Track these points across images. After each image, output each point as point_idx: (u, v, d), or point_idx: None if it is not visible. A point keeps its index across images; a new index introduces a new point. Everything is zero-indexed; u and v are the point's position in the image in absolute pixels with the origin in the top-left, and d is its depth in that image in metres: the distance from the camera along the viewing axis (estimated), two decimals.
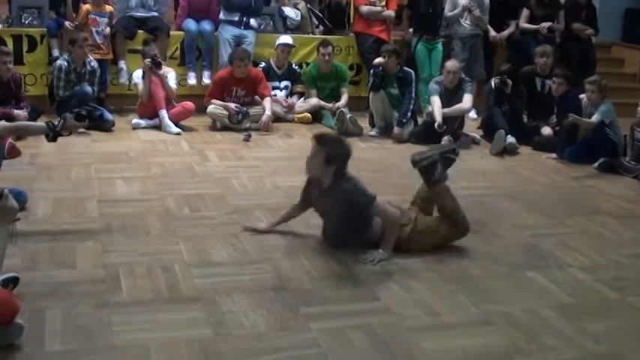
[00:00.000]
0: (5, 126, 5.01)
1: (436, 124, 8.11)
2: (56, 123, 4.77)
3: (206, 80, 9.33)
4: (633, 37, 11.90)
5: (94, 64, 8.40)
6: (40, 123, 4.87)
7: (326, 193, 4.94)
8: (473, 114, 9.39)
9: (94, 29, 8.84)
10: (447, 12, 10.00)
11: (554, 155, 7.94)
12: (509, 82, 8.55)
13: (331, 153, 4.89)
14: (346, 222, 4.87)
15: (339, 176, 4.90)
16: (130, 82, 8.91)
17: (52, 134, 4.77)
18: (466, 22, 10.03)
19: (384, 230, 4.92)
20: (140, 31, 9.25)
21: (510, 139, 8.05)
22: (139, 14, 9.23)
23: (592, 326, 4.07)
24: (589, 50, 10.56)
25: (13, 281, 3.99)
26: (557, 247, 5.27)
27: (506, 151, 8.04)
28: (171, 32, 9.46)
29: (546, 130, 8.40)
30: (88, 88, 8.20)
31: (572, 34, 10.39)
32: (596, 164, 7.60)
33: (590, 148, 7.78)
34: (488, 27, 10.22)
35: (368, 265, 4.76)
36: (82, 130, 7.40)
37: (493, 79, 8.87)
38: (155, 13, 9.31)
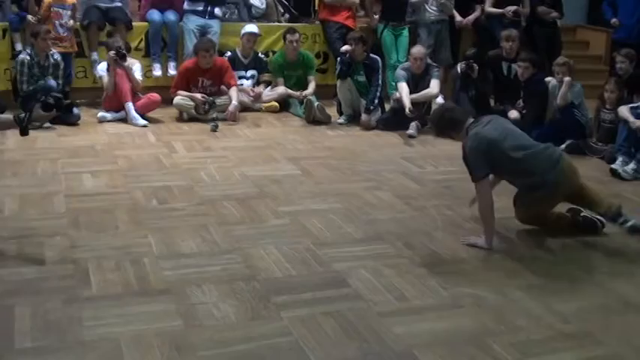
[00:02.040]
0: None
1: (407, 110, 8.10)
2: (22, 116, 4.68)
3: (172, 71, 9.26)
4: (598, 20, 11.96)
5: (58, 57, 8.31)
6: (8, 116, 4.78)
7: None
8: (440, 99, 9.38)
9: (56, 22, 8.73)
10: None
11: None
12: (476, 66, 8.59)
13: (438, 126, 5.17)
14: None
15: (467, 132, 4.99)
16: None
17: (21, 127, 4.66)
18: (432, 8, 10.03)
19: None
20: None
21: None
22: (102, 5, 9.13)
23: (561, 306, 4.11)
24: (554, 33, 10.59)
25: None
26: (525, 228, 5.31)
27: None
28: (136, 23, 9.38)
29: (513, 114, 8.40)
30: (52, 82, 8.10)
31: (538, 18, 10.42)
32: (564, 146, 7.62)
33: (557, 130, 7.82)
34: (454, 12, 10.23)
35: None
36: (47, 124, 7.37)
37: (459, 64, 8.90)
38: (118, 4, 9.22)
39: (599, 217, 5.27)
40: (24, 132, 4.60)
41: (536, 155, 5.01)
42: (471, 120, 5.05)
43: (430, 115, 5.18)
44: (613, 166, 6.97)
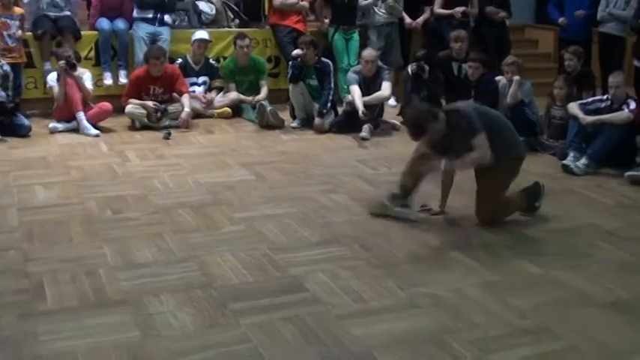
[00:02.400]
0: None
1: (360, 112, 8.11)
2: None
3: (122, 80, 9.18)
4: (546, 19, 12.10)
5: (7, 67, 8.18)
6: None
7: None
8: (392, 101, 9.44)
9: (5, 33, 8.61)
10: (361, 1, 10.03)
11: None
12: (426, 67, 8.64)
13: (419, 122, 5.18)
14: None
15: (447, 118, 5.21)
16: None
17: None
18: (381, 11, 10.08)
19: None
20: None
21: None
22: (52, 14, 9.03)
23: (518, 302, 4.16)
24: (503, 33, 10.70)
25: None
26: (479, 227, 5.37)
27: None
28: (85, 32, 9.28)
29: None
30: (2, 93, 7.97)
31: (486, 18, 10.52)
32: None
33: None
34: (404, 14, 10.28)
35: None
36: None
37: (410, 65, 8.95)
38: (67, 13, 9.12)
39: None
40: None
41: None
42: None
43: (406, 116, 5.30)
44: (565, 162, 7.07)
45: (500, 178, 5.43)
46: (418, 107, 5.55)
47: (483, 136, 5.16)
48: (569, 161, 7.05)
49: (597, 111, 7.21)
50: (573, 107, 7.33)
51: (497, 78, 8.30)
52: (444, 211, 5.67)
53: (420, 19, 10.42)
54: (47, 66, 8.90)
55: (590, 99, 7.55)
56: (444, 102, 8.91)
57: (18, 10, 8.83)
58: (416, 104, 5.87)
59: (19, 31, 8.72)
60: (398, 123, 8.58)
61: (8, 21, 8.66)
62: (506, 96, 7.98)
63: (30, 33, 8.97)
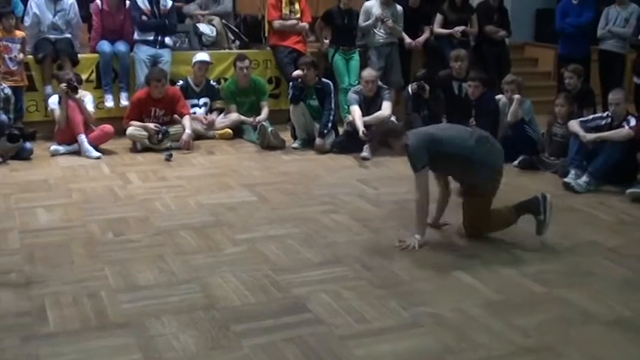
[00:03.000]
0: None
1: (360, 132, 8.13)
2: None
3: (124, 102, 9.20)
4: (545, 37, 12.16)
5: (8, 91, 8.21)
6: None
7: None
8: (393, 120, 9.45)
9: (6, 56, 8.65)
10: (361, 22, 10.06)
11: None
12: (427, 86, 8.67)
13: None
14: None
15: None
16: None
17: None
18: (380, 32, 10.10)
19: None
20: None
21: None
22: (52, 37, 9.07)
23: (521, 321, 4.15)
24: (503, 51, 10.74)
25: None
26: (482, 245, 5.38)
27: None
28: (86, 55, 9.33)
29: None
30: (3, 116, 7.98)
31: (486, 37, 10.57)
32: (517, 162, 7.75)
33: (509, 146, 7.84)
34: (403, 34, 10.31)
35: (404, 251, 5.19)
36: None
37: (410, 85, 8.97)
38: (67, 36, 9.17)
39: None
40: None
41: (481, 142, 5.42)
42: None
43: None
44: (566, 179, 7.07)
45: (480, 198, 5.44)
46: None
47: (422, 174, 5.26)
48: (570, 179, 7.05)
49: (598, 128, 7.23)
50: (574, 125, 7.35)
51: (498, 97, 8.33)
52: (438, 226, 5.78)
53: (421, 39, 10.45)
54: (48, 89, 8.92)
55: (590, 116, 7.57)
56: (444, 121, 8.95)
57: (19, 33, 8.88)
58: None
59: (21, 55, 8.76)
60: None
61: (9, 44, 8.71)
62: (506, 114, 8.00)
63: (31, 56, 9.01)
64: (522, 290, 4.62)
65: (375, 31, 10.06)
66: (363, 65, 9.66)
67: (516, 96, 7.91)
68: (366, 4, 10.21)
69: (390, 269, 4.93)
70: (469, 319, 4.17)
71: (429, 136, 5.36)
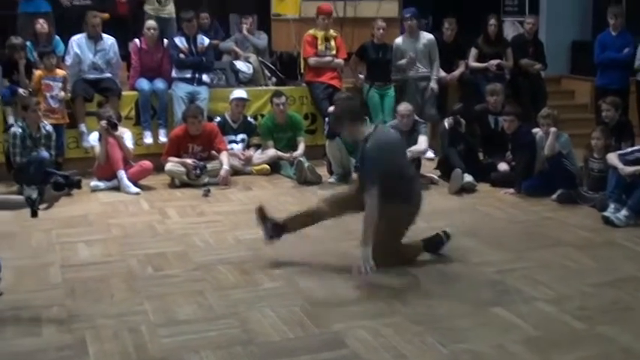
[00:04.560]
0: None
1: None
2: (34, 197, 4.62)
3: (162, 138, 9.31)
4: (581, 69, 12.12)
5: (49, 128, 8.36)
6: (19, 197, 4.76)
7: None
8: (430, 153, 9.45)
9: (47, 94, 8.82)
10: (395, 60, 10.11)
11: (512, 190, 8.03)
12: (463, 121, 8.67)
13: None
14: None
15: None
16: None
17: (32, 209, 4.60)
18: (417, 66, 10.15)
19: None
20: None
21: (468, 177, 8.13)
22: (92, 76, 9.24)
23: (561, 358, 4.12)
24: (539, 84, 10.74)
25: None
26: (521, 281, 5.33)
27: (465, 190, 8.12)
28: (125, 93, 9.48)
29: (503, 166, 8.49)
30: (45, 153, 8.14)
31: (522, 70, 10.58)
32: (555, 196, 7.70)
33: (547, 180, 7.89)
34: (440, 70, 10.32)
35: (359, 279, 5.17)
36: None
37: (446, 119, 8.98)
38: (108, 75, 9.33)
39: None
40: (35, 214, 4.57)
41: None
42: (369, 122, 5.57)
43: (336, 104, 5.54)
44: (605, 213, 7.00)
45: (384, 225, 5.42)
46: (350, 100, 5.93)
47: (374, 191, 5.26)
48: (609, 213, 6.98)
49: (637, 161, 7.15)
50: (612, 158, 7.29)
51: (534, 130, 8.30)
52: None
53: (456, 73, 10.49)
54: (82, 127, 9.06)
55: (629, 149, 7.49)
56: (481, 155, 8.95)
57: (60, 72, 9.06)
58: (349, 102, 6.35)
59: (62, 93, 8.93)
60: (435, 177, 8.59)
61: (51, 83, 8.88)
62: (543, 148, 7.97)
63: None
64: (562, 326, 4.58)
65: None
66: (399, 100, 9.68)
67: (552, 129, 7.89)
68: (396, 40, 10.29)
69: (428, 304, 4.91)
70: (508, 356, 4.14)
71: (389, 146, 5.48)
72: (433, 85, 10.16)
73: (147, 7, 10.42)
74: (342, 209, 5.87)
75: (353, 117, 5.55)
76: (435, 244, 5.83)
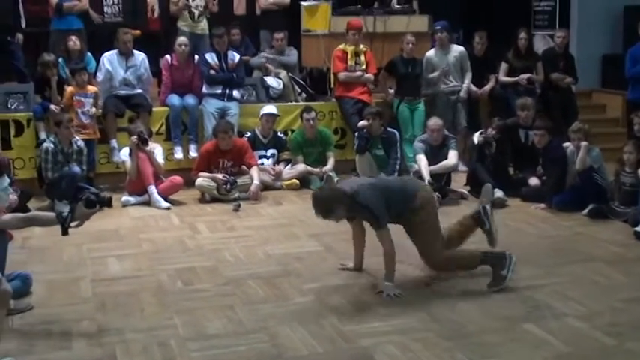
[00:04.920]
0: (18, 217, 5.00)
1: (426, 182, 8.13)
2: (65, 214, 4.68)
3: (193, 154, 9.37)
4: (612, 82, 12.02)
5: (81, 143, 8.44)
6: (50, 214, 4.84)
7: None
8: (462, 166, 9.39)
9: (79, 110, 8.91)
10: (426, 74, 10.12)
11: (542, 205, 7.97)
12: (494, 143, 8.56)
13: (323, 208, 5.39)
14: None
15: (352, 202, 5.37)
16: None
17: (62, 227, 4.66)
18: (447, 80, 10.14)
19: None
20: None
21: (498, 192, 8.07)
22: (123, 92, 9.33)
23: None
24: (570, 98, 10.67)
25: None
26: (552, 296, 5.29)
27: (495, 205, 8.05)
28: (156, 108, 9.55)
29: (533, 181, 8.45)
30: (77, 169, 8.22)
31: (552, 84, 10.53)
32: (586, 211, 7.63)
33: (578, 195, 7.83)
34: (471, 84, 10.30)
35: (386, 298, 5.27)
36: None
37: (476, 135, 8.93)
38: (139, 91, 9.41)
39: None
40: (65, 232, 4.62)
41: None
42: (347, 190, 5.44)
43: (315, 198, 5.46)
44: (637, 228, 6.92)
45: (421, 230, 5.54)
46: (323, 194, 5.57)
47: (386, 228, 5.40)
48: None
49: None
50: None
51: (565, 145, 8.25)
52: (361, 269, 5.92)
53: (487, 88, 10.45)
54: (113, 144, 9.15)
55: None
56: (511, 170, 8.90)
57: (92, 88, 9.15)
58: (328, 188, 6.36)
59: (93, 109, 9.02)
60: (466, 192, 8.55)
61: (82, 99, 8.98)
62: (574, 163, 7.91)
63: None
64: (593, 342, 4.54)
65: (442, 79, 10.12)
66: (429, 114, 9.66)
67: (583, 143, 7.83)
68: (428, 54, 10.29)
69: (458, 320, 4.89)
70: None
71: (377, 191, 5.45)
72: (463, 94, 10.14)
73: (180, 24, 10.53)
74: None
75: (340, 200, 5.38)
76: (494, 258, 5.60)
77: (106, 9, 10.45)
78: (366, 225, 5.73)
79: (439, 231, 5.64)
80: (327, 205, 5.36)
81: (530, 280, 5.60)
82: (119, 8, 10.48)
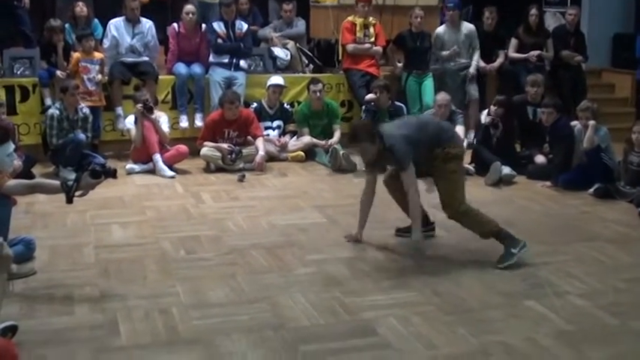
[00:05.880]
0: (23, 183, 5.01)
1: None
2: (70, 183, 4.69)
3: (198, 123, 9.35)
4: (622, 62, 11.95)
5: (86, 110, 8.42)
6: (55, 182, 4.86)
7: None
8: (466, 142, 9.31)
9: (85, 76, 8.88)
10: (435, 50, 10.06)
11: (548, 183, 7.95)
12: (500, 125, 8.50)
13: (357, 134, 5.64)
14: None
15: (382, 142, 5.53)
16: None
17: (67, 195, 4.67)
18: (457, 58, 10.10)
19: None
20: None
21: (506, 169, 8.05)
22: (129, 59, 9.29)
23: (593, 353, 4.07)
24: (579, 77, 10.61)
25: (12, 330, 4.01)
26: (555, 274, 5.27)
27: (502, 181, 8.04)
28: (162, 76, 9.51)
29: (540, 159, 8.42)
30: (82, 135, 8.20)
31: (562, 62, 10.47)
32: (592, 190, 7.60)
33: (585, 174, 7.80)
34: (480, 60, 10.25)
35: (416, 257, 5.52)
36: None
37: (483, 114, 8.86)
38: (145, 58, 9.37)
39: None
40: (70, 200, 4.64)
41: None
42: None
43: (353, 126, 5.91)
44: None
45: (450, 179, 5.59)
46: (364, 124, 6.11)
47: (410, 171, 5.52)
48: None
49: None
50: None
51: (573, 123, 8.21)
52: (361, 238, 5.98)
53: (495, 64, 10.39)
54: (119, 111, 9.12)
55: None
56: (518, 147, 8.86)
57: (98, 54, 9.13)
58: (364, 122, 6.68)
59: (99, 75, 9.00)
60: (471, 168, 8.50)
61: (88, 65, 8.95)
62: (582, 141, 7.87)
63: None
64: (595, 321, 4.52)
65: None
66: (437, 90, 9.61)
67: (591, 122, 7.79)
68: (438, 30, 10.23)
69: (460, 295, 4.88)
70: (540, 349, 4.10)
71: (403, 134, 5.53)
72: (472, 70, 10.08)
73: None
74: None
75: (373, 139, 5.56)
76: (509, 237, 5.54)
77: None
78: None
79: (464, 185, 5.69)
80: (356, 132, 5.67)
81: (533, 257, 5.58)
82: None
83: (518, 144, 9.00)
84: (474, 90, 10.12)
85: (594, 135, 7.76)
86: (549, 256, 5.66)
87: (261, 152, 8.60)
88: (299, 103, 9.82)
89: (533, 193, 7.73)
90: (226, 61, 9.50)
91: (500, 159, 8.10)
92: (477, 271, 5.32)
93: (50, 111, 8.28)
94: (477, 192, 7.66)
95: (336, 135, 9.30)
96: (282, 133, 9.47)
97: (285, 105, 9.62)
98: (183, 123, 9.41)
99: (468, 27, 10.23)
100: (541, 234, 6.24)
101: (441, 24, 10.59)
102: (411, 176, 5.54)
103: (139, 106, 8.37)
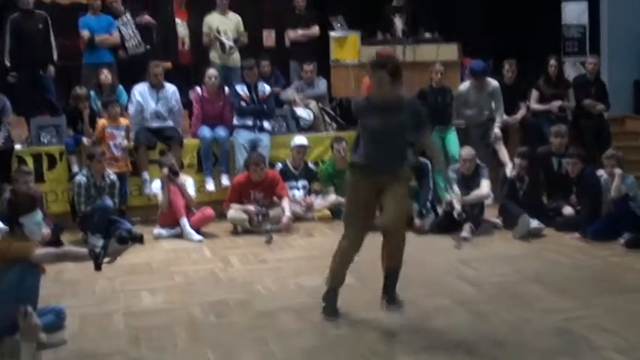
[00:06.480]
0: (51, 252, 5.05)
1: (455, 213, 8.10)
2: (98, 250, 4.73)
3: (225, 182, 9.39)
4: None
5: (113, 177, 8.50)
6: (83, 249, 4.91)
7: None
8: (491, 200, 9.27)
9: (111, 143, 8.99)
10: (457, 106, 10.06)
11: (577, 234, 7.88)
12: (526, 178, 8.47)
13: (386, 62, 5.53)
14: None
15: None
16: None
17: (95, 263, 4.70)
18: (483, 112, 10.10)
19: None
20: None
21: (534, 222, 7.99)
22: (154, 125, 9.39)
23: None
24: (602, 125, 10.57)
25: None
26: (589, 329, 5.20)
27: (531, 234, 7.97)
28: (187, 140, 9.60)
29: (567, 210, 8.35)
30: (109, 202, 8.26)
31: (584, 111, 10.45)
32: (622, 240, 7.53)
33: (613, 223, 7.74)
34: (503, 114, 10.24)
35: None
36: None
37: (509, 167, 8.83)
38: (170, 123, 9.47)
39: None
40: (98, 267, 4.67)
41: None
42: None
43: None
44: None
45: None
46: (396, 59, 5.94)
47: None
48: None
49: None
50: None
51: (599, 172, 8.16)
52: None
53: (518, 116, 10.38)
54: (145, 176, 9.20)
55: None
56: (544, 199, 8.80)
57: (123, 121, 9.24)
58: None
59: (125, 141, 9.09)
60: (499, 222, 8.46)
61: (114, 131, 9.06)
62: (609, 190, 7.83)
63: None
64: None
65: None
66: (461, 144, 9.60)
67: (617, 170, 7.75)
68: (461, 88, 10.21)
69: (493, 353, 4.82)
70: None
71: None
72: (497, 130, 10.04)
73: (212, 56, 10.64)
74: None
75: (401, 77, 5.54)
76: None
77: (127, 44, 10.54)
78: None
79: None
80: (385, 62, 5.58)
81: (566, 312, 5.51)
82: (137, 40, 10.55)
83: (545, 196, 8.94)
84: (505, 156, 9.99)
85: (622, 184, 7.71)
86: (582, 310, 5.60)
87: (288, 213, 8.60)
88: (323, 162, 9.84)
89: (561, 246, 7.66)
90: (250, 123, 9.58)
91: (527, 212, 8.05)
92: (511, 328, 5.25)
93: (77, 178, 8.36)
94: (505, 246, 7.65)
95: None
96: (308, 193, 9.48)
97: (310, 164, 9.65)
98: (210, 186, 9.46)
99: (492, 84, 10.12)
100: (572, 287, 6.17)
101: (462, 79, 10.61)
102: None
103: (165, 170, 8.43)
